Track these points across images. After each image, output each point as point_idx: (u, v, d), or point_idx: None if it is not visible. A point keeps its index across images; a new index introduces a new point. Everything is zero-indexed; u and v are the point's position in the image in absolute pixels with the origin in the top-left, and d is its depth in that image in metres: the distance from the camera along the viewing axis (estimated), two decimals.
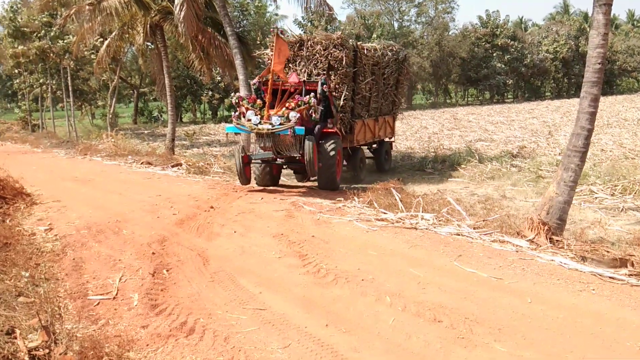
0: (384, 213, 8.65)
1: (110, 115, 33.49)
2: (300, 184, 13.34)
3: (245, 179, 11.46)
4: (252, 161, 11.58)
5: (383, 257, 6.47)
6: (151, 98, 52.58)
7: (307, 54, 13.45)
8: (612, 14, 7.49)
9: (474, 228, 7.58)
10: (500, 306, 4.95)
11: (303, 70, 13.35)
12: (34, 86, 34.13)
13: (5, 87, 58.28)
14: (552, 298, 5.13)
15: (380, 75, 15.08)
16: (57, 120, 36.28)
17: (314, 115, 10.91)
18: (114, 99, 34.96)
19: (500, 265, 6.06)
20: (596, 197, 10.96)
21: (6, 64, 34.26)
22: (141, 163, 15.91)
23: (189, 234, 7.60)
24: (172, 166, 15.10)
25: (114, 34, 21.92)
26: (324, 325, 4.61)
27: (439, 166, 16.76)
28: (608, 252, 6.44)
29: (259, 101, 11.09)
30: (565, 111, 36.12)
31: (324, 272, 5.89)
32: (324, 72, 13.10)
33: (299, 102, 10.74)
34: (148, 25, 20.49)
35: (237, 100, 11.23)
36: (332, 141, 11.54)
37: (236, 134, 11.98)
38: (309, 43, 13.42)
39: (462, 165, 16.16)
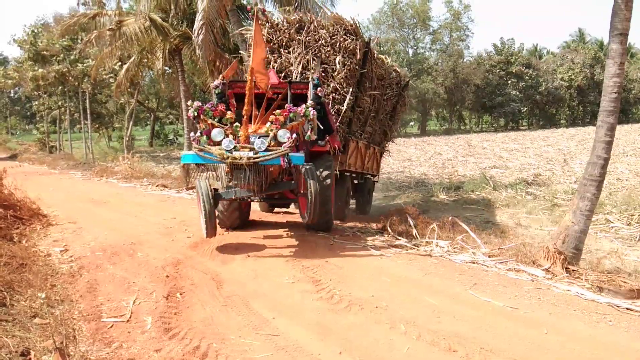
0: (398, 239, 8.63)
1: (127, 138, 33.89)
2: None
3: (213, 228, 7.76)
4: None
5: (397, 284, 6.43)
6: (167, 121, 53.23)
7: (308, 39, 10.54)
8: (627, 43, 7.52)
9: (489, 256, 7.52)
10: (516, 336, 4.88)
11: (298, 60, 10.48)
12: (53, 108, 34.81)
13: (25, 108, 59.45)
14: (568, 329, 5.05)
15: (382, 94, 12.56)
16: (74, 142, 36.82)
17: (309, 133, 7.84)
18: (131, 122, 35.42)
19: (516, 294, 5.99)
20: (612, 227, 10.88)
21: (26, 86, 34.92)
22: (156, 186, 16.06)
23: (203, 257, 7.61)
24: (187, 189, 15.20)
25: (133, 58, 22.36)
26: (337, 353, 4.57)
27: (454, 193, 16.71)
28: (625, 282, 6.35)
29: (229, 113, 7.57)
30: (580, 139, 35.96)
31: (337, 298, 5.86)
32: (318, 67, 10.17)
33: (291, 115, 7.55)
34: (167, 50, 20.87)
35: (196, 113, 7.57)
36: (325, 165, 8.83)
37: (198, 165, 7.53)
38: (312, 26, 10.58)
39: (477, 193, 16.10)
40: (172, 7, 19.97)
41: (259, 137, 7.31)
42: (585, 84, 62.69)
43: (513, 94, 60.04)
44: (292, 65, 10.53)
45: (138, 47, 21.07)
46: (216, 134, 7.36)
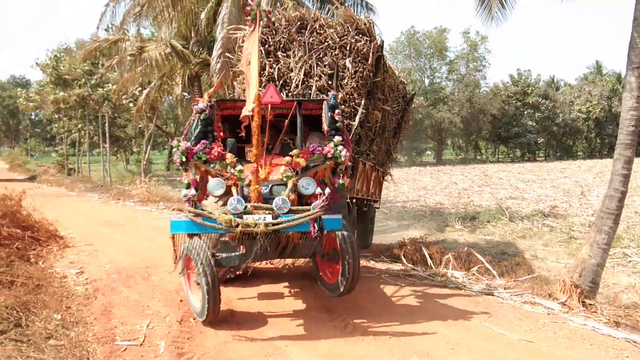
0: (413, 269, 8.58)
1: (145, 162, 34.20)
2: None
3: (217, 304, 5.56)
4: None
5: (411, 314, 6.38)
6: None
7: (312, 39, 8.92)
8: None
9: (505, 288, 7.46)
10: None
11: (299, 66, 8.81)
12: (72, 131, 35.29)
13: (45, 131, 60.46)
14: None
15: (391, 108, 10.65)
16: (92, 165, 37.18)
17: (341, 180, 5.75)
18: (149, 146, 35.79)
19: (532, 327, 5.92)
20: (630, 261, 10.74)
21: (47, 109, 35.49)
22: (172, 209, 16.11)
23: None
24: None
25: (153, 84, 22.69)
26: None
27: (469, 223, 16.62)
28: None
29: (230, 157, 5.63)
30: (598, 171, 35.68)
31: (351, 327, 5.83)
32: (335, 81, 8.40)
33: (316, 156, 5.67)
34: (186, 77, 21.17)
35: (184, 157, 5.50)
36: (341, 205, 6.48)
37: (191, 236, 5.49)
38: (316, 25, 9.01)
39: (493, 223, 16.00)
40: (193, 34, 20.31)
41: (272, 187, 5.58)
42: (603, 116, 62.51)
43: (529, 125, 59.97)
44: (291, 71, 8.91)
45: (158, 73, 21.41)
46: (214, 186, 5.50)
